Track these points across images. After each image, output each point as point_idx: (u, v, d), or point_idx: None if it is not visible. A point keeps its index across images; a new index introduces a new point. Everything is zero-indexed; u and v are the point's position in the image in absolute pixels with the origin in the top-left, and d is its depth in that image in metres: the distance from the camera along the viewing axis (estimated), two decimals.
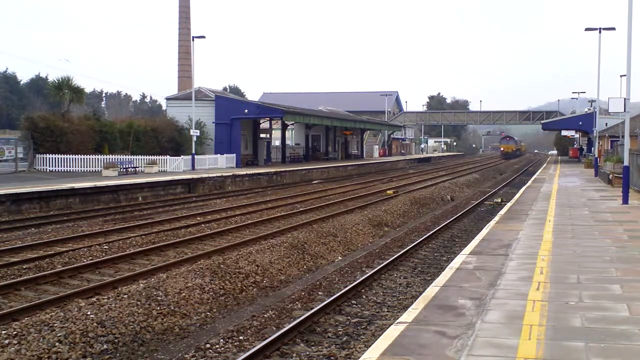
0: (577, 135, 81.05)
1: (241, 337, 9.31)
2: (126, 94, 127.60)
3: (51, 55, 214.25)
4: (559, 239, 13.67)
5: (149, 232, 18.12)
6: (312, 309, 10.42)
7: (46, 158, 36.17)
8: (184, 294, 10.82)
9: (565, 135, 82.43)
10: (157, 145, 44.03)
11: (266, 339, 8.80)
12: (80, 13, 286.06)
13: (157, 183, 30.71)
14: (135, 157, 39.36)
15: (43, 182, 27.46)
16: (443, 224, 20.82)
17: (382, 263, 14.37)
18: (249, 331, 9.60)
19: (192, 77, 45.48)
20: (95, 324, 8.98)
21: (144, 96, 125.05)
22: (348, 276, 13.57)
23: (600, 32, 37.67)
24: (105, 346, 8.57)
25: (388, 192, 31.90)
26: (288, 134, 61.91)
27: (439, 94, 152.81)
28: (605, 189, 28.44)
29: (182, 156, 41.18)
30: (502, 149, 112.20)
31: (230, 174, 37.23)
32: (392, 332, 7.05)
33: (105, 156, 37.83)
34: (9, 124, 59.30)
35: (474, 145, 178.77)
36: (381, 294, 11.98)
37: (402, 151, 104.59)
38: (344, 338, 9.27)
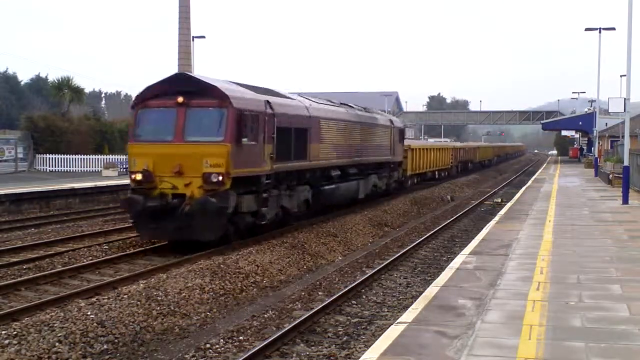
0: (577, 135, 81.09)
1: (241, 337, 9.30)
2: (126, 94, 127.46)
3: (51, 55, 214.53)
4: (559, 239, 13.67)
5: None
6: (312, 309, 10.42)
7: (46, 158, 36.17)
8: (184, 294, 10.81)
9: (565, 135, 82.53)
10: None
11: (266, 339, 8.80)
12: (80, 13, 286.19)
13: None
14: None
15: (43, 182, 27.46)
16: (443, 224, 20.82)
17: (382, 263, 14.37)
18: (249, 331, 9.59)
19: None
20: (95, 324, 8.97)
21: None
22: (348, 276, 13.56)
23: (600, 32, 37.72)
24: (105, 346, 8.56)
25: None
26: None
27: (439, 94, 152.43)
28: (605, 189, 28.44)
29: None
30: None
31: None
32: (392, 332, 7.06)
33: (105, 156, 37.84)
34: (9, 124, 59.31)
35: None
36: (381, 294, 11.97)
37: None
38: (344, 338, 9.26)
